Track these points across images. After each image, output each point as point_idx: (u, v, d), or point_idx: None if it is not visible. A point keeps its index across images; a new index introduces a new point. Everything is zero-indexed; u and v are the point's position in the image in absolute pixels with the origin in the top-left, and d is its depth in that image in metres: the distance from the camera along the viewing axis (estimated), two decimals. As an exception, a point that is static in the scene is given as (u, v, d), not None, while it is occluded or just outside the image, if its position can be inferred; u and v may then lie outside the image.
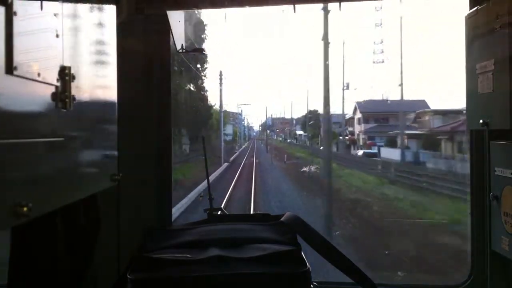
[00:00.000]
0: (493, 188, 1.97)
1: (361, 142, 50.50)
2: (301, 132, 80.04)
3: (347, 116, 57.53)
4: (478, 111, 2.00)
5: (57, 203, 1.29)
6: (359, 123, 52.22)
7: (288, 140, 79.93)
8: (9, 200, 0.98)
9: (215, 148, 32.41)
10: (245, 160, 38.53)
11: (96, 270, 2.00)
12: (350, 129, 57.06)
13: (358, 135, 51.74)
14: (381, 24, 46.19)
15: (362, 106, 50.39)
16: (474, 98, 2.02)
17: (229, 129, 60.32)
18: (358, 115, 52.22)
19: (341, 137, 52.20)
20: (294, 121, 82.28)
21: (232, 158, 38.97)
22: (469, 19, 2.07)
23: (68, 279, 1.54)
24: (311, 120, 68.14)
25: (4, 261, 1.47)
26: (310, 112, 70.09)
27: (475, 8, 2.01)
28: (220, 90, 34.26)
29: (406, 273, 8.12)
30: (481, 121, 1.95)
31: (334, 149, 50.54)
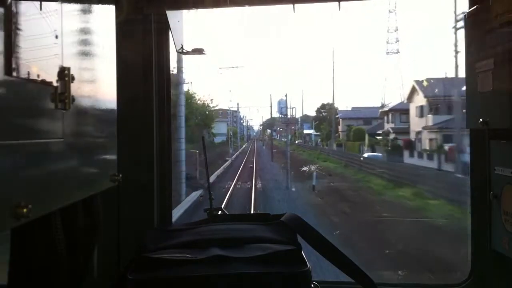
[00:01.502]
0: (493, 187, 1.97)
1: (426, 145, 30.08)
2: (311, 132, 65.27)
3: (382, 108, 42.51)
4: (478, 110, 2.00)
5: (57, 204, 1.29)
6: (420, 115, 32.13)
7: (297, 142, 64.87)
8: (8, 201, 0.98)
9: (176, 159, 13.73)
10: (235, 183, 19.92)
11: (96, 270, 2.00)
12: (390, 125, 39.18)
13: (419, 133, 32.04)
14: (395, 9, 39.01)
15: (427, 87, 30.76)
16: (474, 97, 2.02)
17: (221, 128, 48.22)
18: (419, 101, 32.36)
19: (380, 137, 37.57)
20: (299, 120, 69.21)
21: (212, 180, 18.55)
22: (469, 17, 2.07)
23: (68, 279, 1.53)
24: (321, 115, 54.58)
25: (4, 261, 1.47)
26: (323, 106, 56.38)
27: (475, 7, 2.01)
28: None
29: (407, 272, 8.11)
30: (481, 120, 1.94)
31: (367, 154, 33.82)
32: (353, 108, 57.24)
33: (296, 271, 1.59)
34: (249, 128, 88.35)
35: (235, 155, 42.73)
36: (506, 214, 1.87)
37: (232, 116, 62.37)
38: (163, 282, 1.57)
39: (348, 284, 2.23)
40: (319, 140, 56.95)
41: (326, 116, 54.47)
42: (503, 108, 1.80)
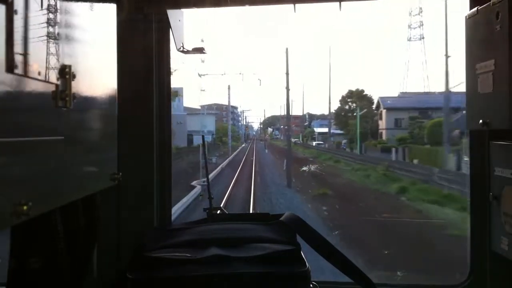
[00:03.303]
0: (493, 188, 1.97)
1: None
2: (325, 130, 46.22)
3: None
4: (478, 111, 2.01)
5: (57, 202, 1.29)
6: None
7: (314, 143, 47.00)
8: (9, 199, 0.98)
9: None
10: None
11: (96, 270, 2.00)
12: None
13: None
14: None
15: None
16: (474, 98, 2.02)
17: (206, 123, 32.55)
18: None
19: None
20: (306, 116, 55.91)
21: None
22: (469, 19, 2.07)
23: (68, 278, 1.53)
24: (347, 108, 36.76)
25: (4, 261, 1.47)
26: (350, 94, 39.24)
27: (475, 8, 2.01)
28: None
29: (406, 273, 8.11)
30: (481, 121, 1.95)
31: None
32: (401, 94, 37.85)
33: (295, 271, 1.59)
34: (248, 126, 76.04)
35: (216, 171, 22.42)
36: (505, 215, 1.87)
37: (229, 112, 45.76)
38: (163, 281, 1.57)
39: (347, 284, 2.23)
40: (344, 141, 38.30)
41: (359, 108, 35.11)
42: (503, 109, 1.80)
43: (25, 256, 1.46)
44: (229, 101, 40.41)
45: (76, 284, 1.59)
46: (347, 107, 40.00)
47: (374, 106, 36.90)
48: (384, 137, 32.19)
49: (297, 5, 2.31)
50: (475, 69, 1.99)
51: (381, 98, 34.12)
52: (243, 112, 65.56)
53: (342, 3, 2.30)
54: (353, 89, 39.86)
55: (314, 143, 46.76)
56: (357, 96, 37.96)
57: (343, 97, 40.60)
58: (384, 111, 33.61)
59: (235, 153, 38.07)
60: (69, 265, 1.52)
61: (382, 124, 33.18)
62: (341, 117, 40.35)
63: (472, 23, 2.06)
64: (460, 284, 2.28)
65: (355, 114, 36.56)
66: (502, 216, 1.89)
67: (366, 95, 37.94)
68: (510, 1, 1.76)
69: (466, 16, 2.09)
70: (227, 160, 29.66)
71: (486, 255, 2.10)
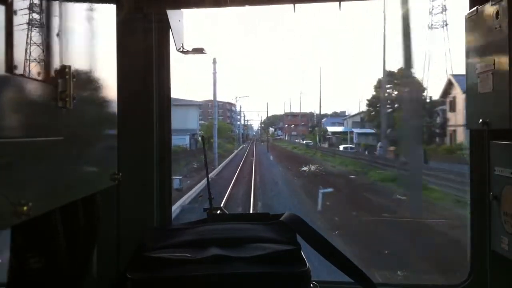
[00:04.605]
0: (493, 187, 1.97)
1: None
2: (345, 129, 32.94)
3: None
4: (478, 110, 2.01)
5: (57, 202, 1.29)
6: None
7: (342, 148, 33.63)
8: (9, 199, 0.98)
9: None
10: None
11: (96, 270, 2.00)
12: None
13: None
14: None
15: None
16: (474, 97, 2.02)
17: (187, 119, 26.05)
18: None
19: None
20: (314, 115, 48.22)
21: None
22: (469, 18, 2.07)
23: (68, 278, 1.53)
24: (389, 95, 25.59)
25: (4, 261, 1.47)
26: (391, 76, 27.28)
27: (475, 8, 2.01)
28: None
29: (406, 273, 8.11)
30: (481, 120, 1.95)
31: None
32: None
33: (295, 271, 1.59)
34: (247, 125, 69.62)
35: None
36: (505, 215, 1.87)
37: (215, 98, 32.06)
38: (163, 281, 1.57)
39: (347, 284, 2.23)
40: (379, 144, 27.50)
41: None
42: (503, 109, 1.80)
43: (25, 256, 1.46)
44: (214, 80, 28.60)
45: (76, 284, 1.59)
46: (386, 94, 29.48)
47: (425, 93, 26.59)
48: (463, 138, 20.45)
49: (297, 5, 2.31)
50: (475, 69, 1.99)
51: (456, 76, 21.71)
52: (241, 107, 60.20)
53: (342, 3, 2.30)
54: (395, 70, 28.07)
55: (341, 148, 33.24)
56: (401, 79, 27.13)
57: (379, 82, 28.79)
58: (462, 98, 20.53)
59: (225, 161, 26.47)
60: (69, 265, 1.52)
61: (457, 118, 21.31)
62: (375, 110, 29.22)
63: (472, 23, 2.06)
64: (460, 284, 2.28)
65: (396, 105, 27.02)
66: (502, 216, 1.89)
67: (414, 78, 25.28)
68: (509, 1, 1.76)
69: (465, 16, 2.09)
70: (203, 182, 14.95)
71: (486, 255, 2.10)
